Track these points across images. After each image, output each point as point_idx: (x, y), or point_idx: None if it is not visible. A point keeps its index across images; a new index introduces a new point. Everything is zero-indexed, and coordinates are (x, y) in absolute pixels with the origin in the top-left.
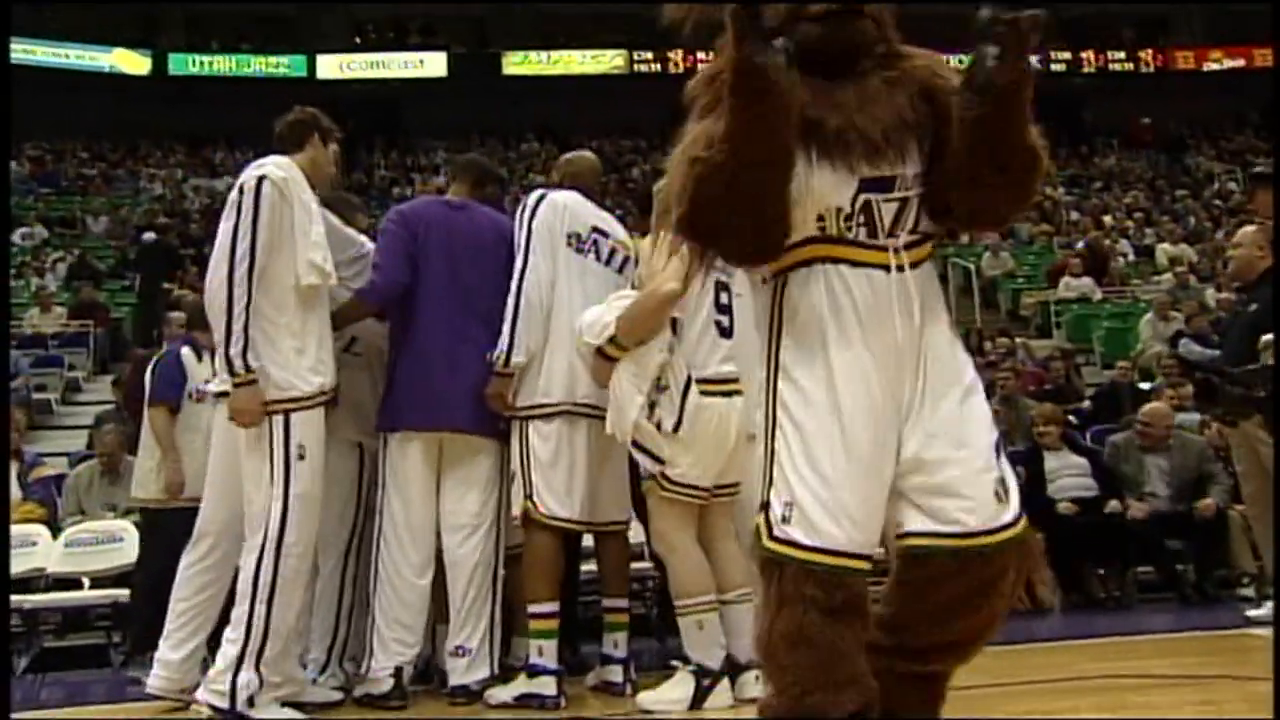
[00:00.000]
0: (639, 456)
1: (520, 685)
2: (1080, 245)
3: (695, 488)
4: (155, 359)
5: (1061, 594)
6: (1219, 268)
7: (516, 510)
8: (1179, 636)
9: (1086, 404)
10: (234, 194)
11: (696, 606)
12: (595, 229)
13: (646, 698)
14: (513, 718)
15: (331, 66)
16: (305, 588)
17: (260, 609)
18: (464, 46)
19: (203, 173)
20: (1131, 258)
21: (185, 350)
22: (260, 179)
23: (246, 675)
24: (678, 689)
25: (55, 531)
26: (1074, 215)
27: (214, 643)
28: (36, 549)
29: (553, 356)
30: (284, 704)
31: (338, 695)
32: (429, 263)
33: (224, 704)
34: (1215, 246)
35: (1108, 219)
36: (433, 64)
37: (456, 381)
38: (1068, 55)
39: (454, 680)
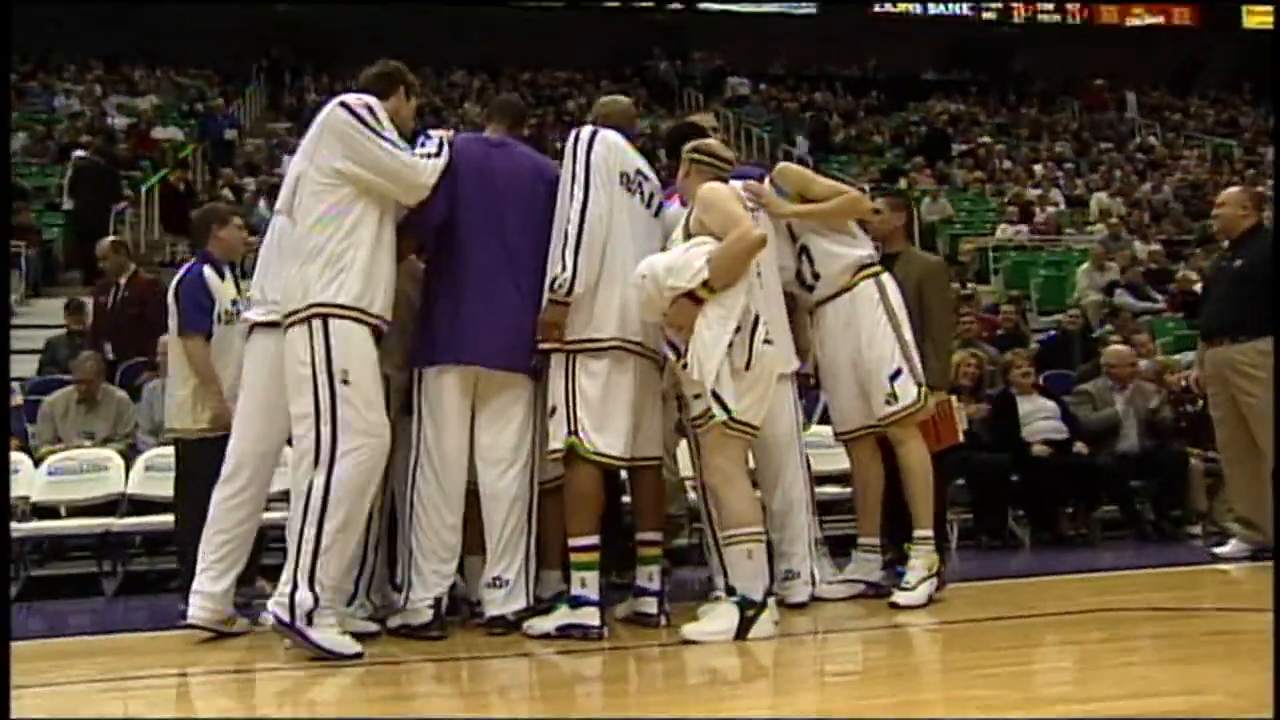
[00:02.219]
0: (711, 404)
1: (563, 616)
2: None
3: (752, 425)
4: (176, 282)
5: (1032, 531)
6: (1145, 220)
7: (557, 445)
8: (1159, 571)
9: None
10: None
11: (746, 536)
12: (639, 171)
13: (691, 629)
14: (556, 648)
15: None
16: (361, 513)
17: (310, 530)
18: None
19: (123, 90)
20: (1063, 207)
21: (206, 270)
22: None
23: (302, 593)
24: (722, 620)
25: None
26: (1006, 164)
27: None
28: (19, 476)
29: (606, 291)
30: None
31: (373, 626)
32: (467, 200)
33: (286, 616)
34: (1143, 198)
35: (1038, 168)
36: None
37: (492, 318)
38: (999, 4)
39: (491, 611)
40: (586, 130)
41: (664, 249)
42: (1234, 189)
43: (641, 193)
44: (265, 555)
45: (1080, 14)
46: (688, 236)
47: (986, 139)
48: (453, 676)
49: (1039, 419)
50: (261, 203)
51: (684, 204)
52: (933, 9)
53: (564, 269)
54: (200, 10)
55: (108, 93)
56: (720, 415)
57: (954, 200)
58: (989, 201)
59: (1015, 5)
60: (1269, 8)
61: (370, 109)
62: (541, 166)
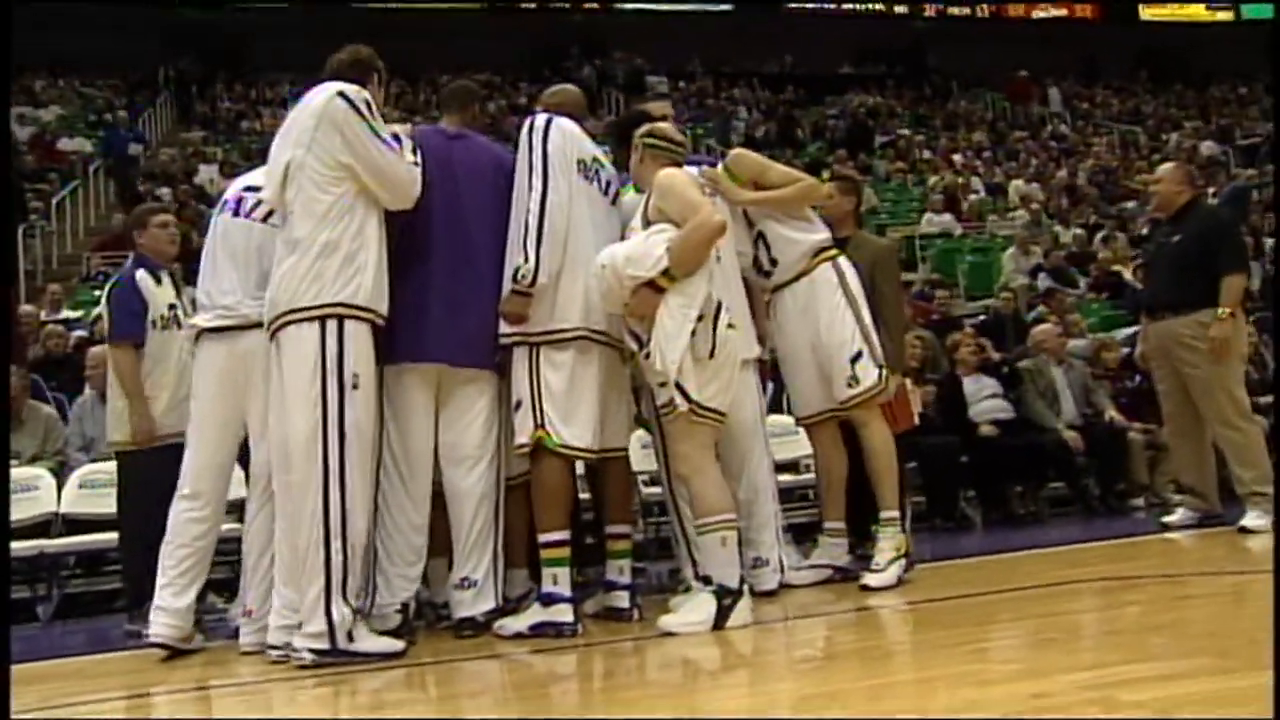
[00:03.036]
0: (674, 394)
1: (535, 614)
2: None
3: (718, 412)
4: (108, 287)
5: (983, 511)
6: (1064, 205)
7: (524, 440)
8: (1113, 543)
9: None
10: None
11: (720, 524)
12: (595, 158)
13: (669, 620)
14: (529, 647)
15: None
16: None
17: (336, 544)
18: None
19: (23, 101)
20: (984, 195)
21: (140, 274)
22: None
23: (339, 610)
24: (699, 610)
25: None
26: (926, 154)
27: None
28: None
29: (568, 281)
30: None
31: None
32: (427, 193)
33: (325, 644)
34: (1060, 185)
35: (957, 158)
36: None
37: (453, 315)
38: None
39: (460, 613)
40: (541, 118)
41: (623, 237)
42: (1168, 165)
43: (599, 180)
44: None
45: (989, 9)
46: (646, 224)
47: (905, 131)
48: (424, 682)
49: (984, 398)
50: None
51: (639, 191)
52: (846, 5)
53: (526, 259)
54: (102, 17)
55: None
56: (683, 405)
57: (877, 190)
58: (911, 191)
59: (926, 1)
60: (1165, 4)
61: (369, 104)
62: (501, 158)
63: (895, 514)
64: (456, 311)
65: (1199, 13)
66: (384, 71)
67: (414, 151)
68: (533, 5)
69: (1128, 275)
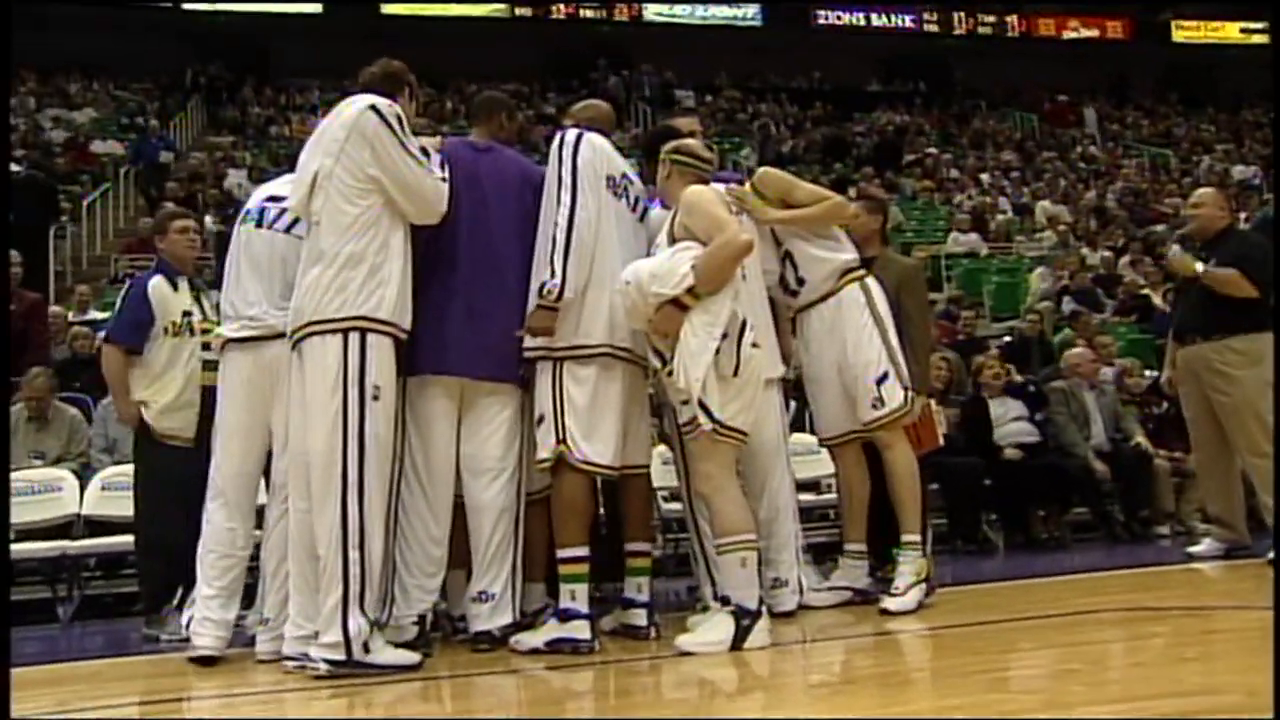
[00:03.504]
0: (697, 413)
1: (552, 630)
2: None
3: (741, 431)
4: (124, 290)
5: (1005, 535)
6: (1092, 227)
7: (545, 454)
8: (1136, 572)
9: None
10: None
11: (740, 544)
12: (624, 174)
13: (686, 640)
14: (545, 663)
15: None
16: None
17: (354, 554)
18: None
19: (58, 103)
20: (1011, 215)
21: (155, 281)
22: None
23: (356, 622)
24: (717, 630)
25: None
26: (953, 173)
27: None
28: None
29: (594, 297)
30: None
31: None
32: (454, 206)
33: (341, 655)
34: (1087, 206)
35: (985, 177)
36: None
37: (477, 328)
38: (940, 16)
39: (477, 626)
40: (572, 133)
41: (649, 253)
42: (1208, 190)
43: (627, 196)
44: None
45: (1019, 27)
46: (672, 241)
47: (933, 149)
48: (439, 695)
49: (1009, 421)
50: (208, 218)
51: (665, 207)
52: (875, 21)
53: (553, 274)
54: (135, 22)
55: (42, 105)
56: (706, 424)
57: (904, 209)
58: (938, 210)
59: (956, 17)
60: (1197, 22)
61: (400, 118)
62: (529, 172)
63: (917, 538)
64: (480, 324)
65: (1232, 34)
66: (415, 85)
67: (442, 166)
68: (561, 16)
69: (1156, 299)
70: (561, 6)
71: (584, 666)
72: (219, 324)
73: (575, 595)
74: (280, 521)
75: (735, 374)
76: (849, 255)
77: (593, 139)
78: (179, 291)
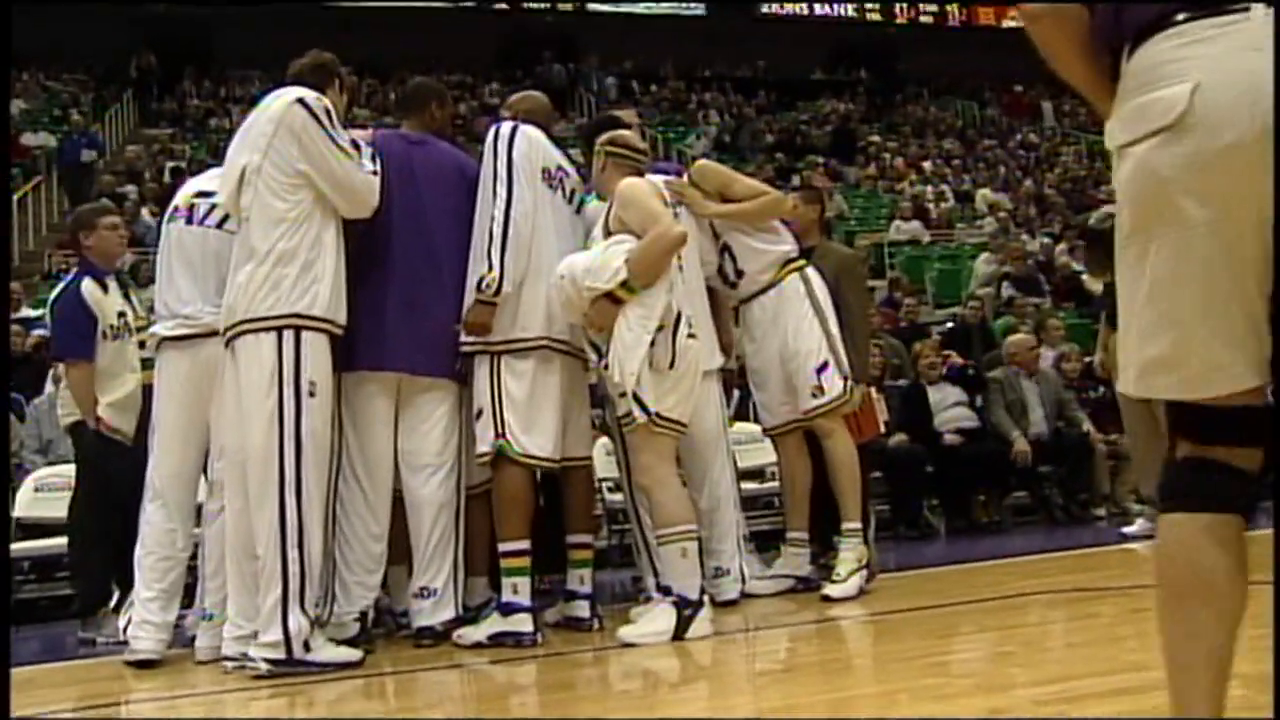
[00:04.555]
0: (632, 406)
1: (494, 624)
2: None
3: (679, 422)
4: (52, 299)
5: (947, 520)
6: (1031, 214)
7: (485, 448)
8: (1074, 554)
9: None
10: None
11: (680, 534)
12: (560, 166)
13: (629, 631)
14: (489, 657)
15: None
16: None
17: (293, 552)
18: None
19: None
20: (953, 203)
21: (86, 284)
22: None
23: (296, 620)
24: (659, 621)
25: None
26: (897, 161)
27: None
28: None
29: (531, 290)
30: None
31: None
32: (388, 199)
33: (281, 654)
34: (1027, 194)
35: (927, 165)
36: None
37: (414, 322)
38: (882, 6)
39: (419, 622)
40: (507, 126)
41: (586, 246)
42: None
43: (563, 189)
44: None
45: (959, 16)
46: (608, 233)
47: (876, 138)
48: (382, 691)
49: (948, 407)
50: (145, 212)
51: (600, 199)
52: (819, 9)
53: (490, 268)
54: (68, 11)
55: None
56: (641, 417)
57: (848, 197)
58: (881, 198)
59: (899, 6)
60: None
61: (328, 111)
62: (464, 164)
63: (857, 525)
64: (417, 319)
65: None
66: (345, 77)
67: (373, 159)
68: (505, 6)
69: (1092, 285)
70: None
71: (527, 660)
72: (151, 322)
73: (517, 589)
74: (218, 518)
75: (671, 366)
76: (787, 246)
77: (528, 131)
78: (109, 293)
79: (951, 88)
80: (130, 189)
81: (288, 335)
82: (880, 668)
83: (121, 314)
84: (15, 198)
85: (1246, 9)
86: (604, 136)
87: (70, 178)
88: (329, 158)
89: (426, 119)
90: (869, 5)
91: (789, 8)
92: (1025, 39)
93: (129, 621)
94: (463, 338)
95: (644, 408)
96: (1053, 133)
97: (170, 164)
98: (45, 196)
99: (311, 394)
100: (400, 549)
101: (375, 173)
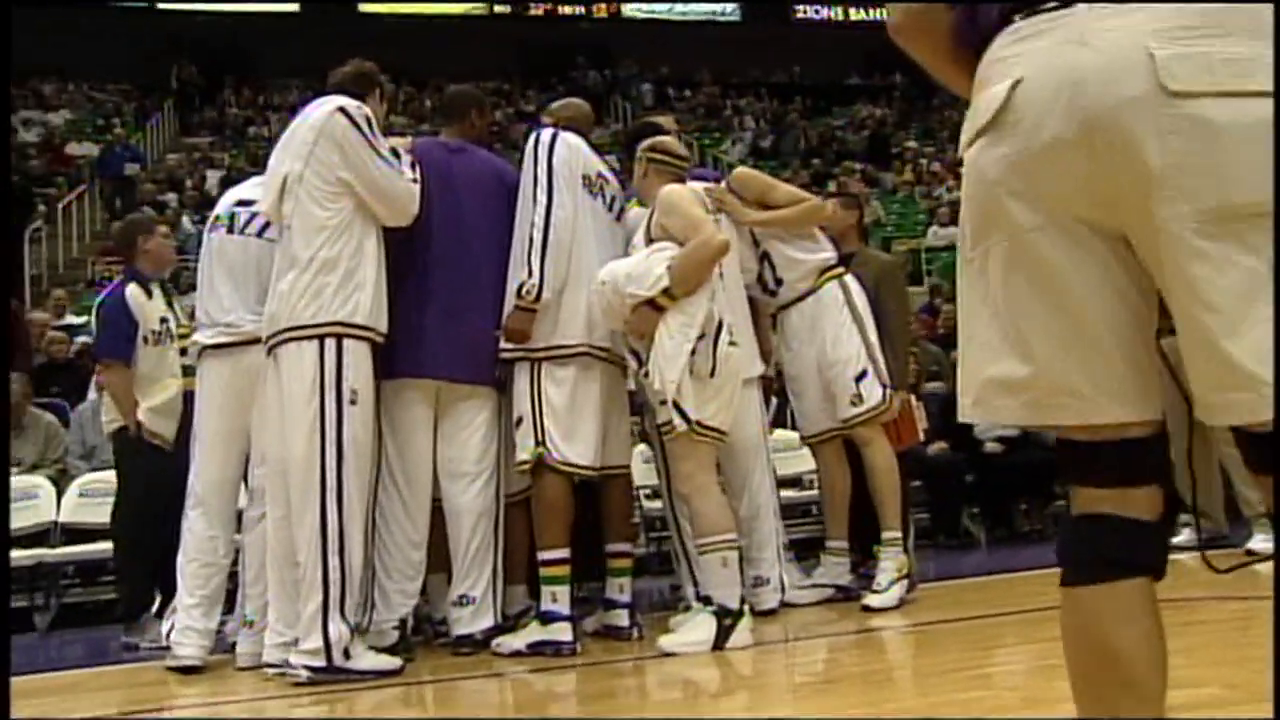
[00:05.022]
0: (673, 414)
1: (533, 632)
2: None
3: (719, 430)
4: (98, 302)
5: (986, 529)
6: None
7: (525, 456)
8: None
9: None
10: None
11: (721, 544)
12: (600, 173)
13: (669, 640)
14: (528, 666)
15: None
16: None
17: (334, 560)
18: None
19: (32, 105)
20: None
21: (131, 289)
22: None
23: (337, 628)
24: (699, 630)
25: None
26: (934, 166)
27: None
28: None
29: (572, 297)
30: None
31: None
32: (427, 207)
33: (321, 662)
34: None
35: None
36: None
37: (453, 329)
38: None
39: (458, 630)
40: (548, 132)
41: (626, 253)
42: None
43: (604, 195)
44: None
45: None
46: (649, 240)
47: (913, 143)
48: (422, 699)
49: None
50: (185, 220)
51: (642, 205)
52: (854, 14)
53: (530, 274)
54: (113, 24)
55: (16, 107)
56: (682, 426)
57: (885, 203)
58: (918, 203)
59: None
60: None
61: (369, 120)
62: (503, 171)
63: (898, 534)
64: (456, 326)
65: None
66: (385, 86)
67: (413, 166)
68: (539, 13)
69: None
70: (540, 4)
71: (567, 669)
72: (192, 329)
73: (557, 597)
74: (259, 524)
75: (712, 374)
76: (827, 254)
77: (568, 138)
78: (153, 299)
79: None
80: (171, 197)
81: (330, 343)
82: (923, 680)
83: (164, 319)
84: (60, 206)
85: (1072, 2)
86: (645, 142)
87: (112, 190)
88: (370, 165)
89: (466, 127)
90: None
91: (824, 12)
92: None
93: (172, 627)
94: (502, 344)
95: (685, 416)
96: None
97: (211, 172)
98: (89, 205)
99: (353, 402)
100: (439, 557)
101: (416, 181)
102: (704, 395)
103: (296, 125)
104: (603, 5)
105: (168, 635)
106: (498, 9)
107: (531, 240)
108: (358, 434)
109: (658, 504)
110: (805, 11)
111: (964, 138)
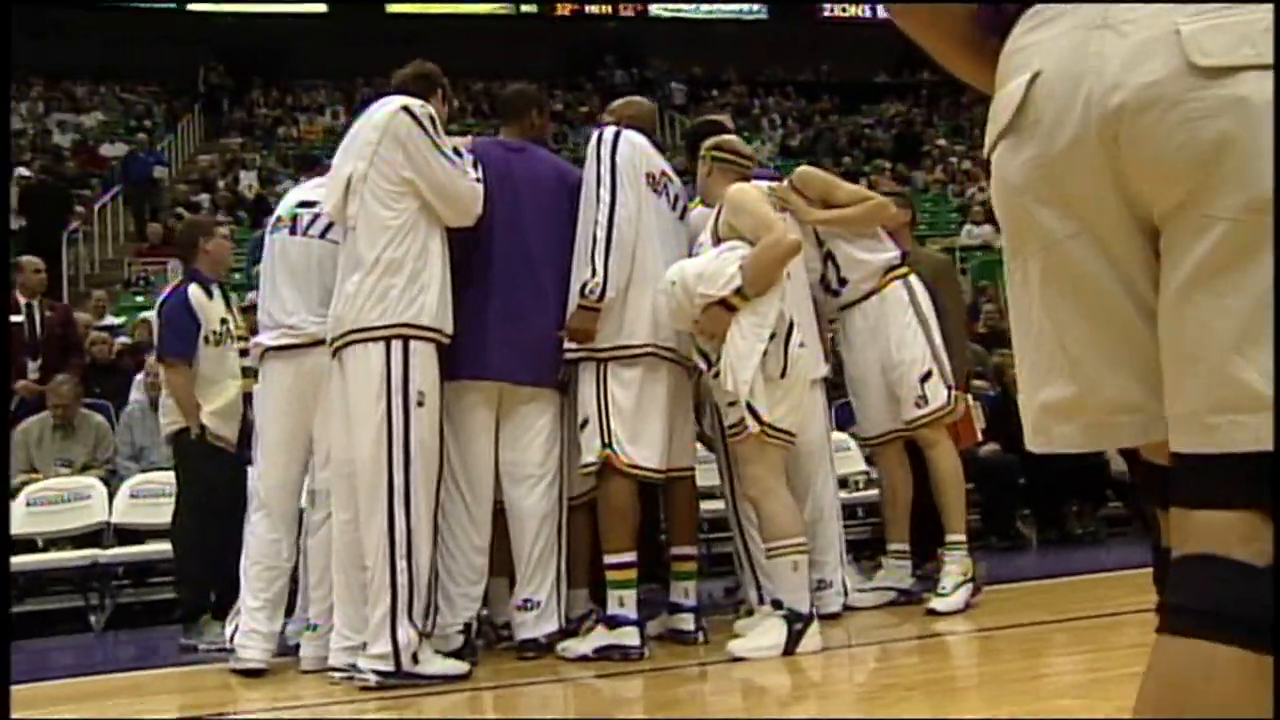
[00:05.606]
0: (745, 415)
1: (600, 637)
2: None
3: (789, 433)
4: (160, 301)
5: (1038, 530)
6: None
7: (591, 458)
8: None
9: None
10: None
11: (791, 548)
12: (664, 172)
13: (738, 645)
14: (594, 671)
15: None
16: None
17: (402, 564)
18: None
19: (66, 107)
20: None
21: (193, 289)
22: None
23: (405, 632)
24: (770, 635)
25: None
26: (965, 164)
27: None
28: None
29: (637, 296)
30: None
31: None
32: (488, 207)
33: (389, 666)
34: None
35: None
36: None
37: (514, 331)
38: None
39: (522, 634)
40: (610, 130)
41: (691, 252)
42: None
43: (667, 194)
44: None
45: None
46: (716, 240)
47: (942, 141)
48: (489, 704)
49: None
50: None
51: (706, 204)
52: (881, 12)
53: (594, 273)
54: (144, 27)
55: (50, 110)
56: (754, 427)
57: (916, 202)
58: (950, 202)
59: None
60: None
61: (433, 119)
62: (564, 171)
63: (962, 537)
64: (518, 328)
65: None
66: (447, 87)
67: (475, 166)
68: (567, 12)
69: None
70: (566, 3)
71: (634, 674)
72: (249, 330)
73: (623, 601)
74: (323, 527)
75: (783, 375)
76: (891, 254)
77: (631, 136)
78: (214, 299)
79: None
80: (203, 197)
81: (396, 345)
82: (987, 688)
83: (224, 320)
84: (96, 208)
85: None
86: (709, 141)
87: (137, 194)
88: (434, 165)
89: (526, 126)
90: None
91: (851, 10)
92: None
93: (235, 630)
94: (566, 344)
95: (757, 417)
96: None
97: (244, 173)
98: (123, 206)
99: (420, 404)
100: (501, 560)
101: (479, 180)
102: (774, 396)
103: (360, 125)
104: (629, 5)
105: (231, 638)
106: (525, 8)
107: (595, 239)
108: (425, 436)
109: (712, 505)
110: (832, 10)
111: (987, 141)
